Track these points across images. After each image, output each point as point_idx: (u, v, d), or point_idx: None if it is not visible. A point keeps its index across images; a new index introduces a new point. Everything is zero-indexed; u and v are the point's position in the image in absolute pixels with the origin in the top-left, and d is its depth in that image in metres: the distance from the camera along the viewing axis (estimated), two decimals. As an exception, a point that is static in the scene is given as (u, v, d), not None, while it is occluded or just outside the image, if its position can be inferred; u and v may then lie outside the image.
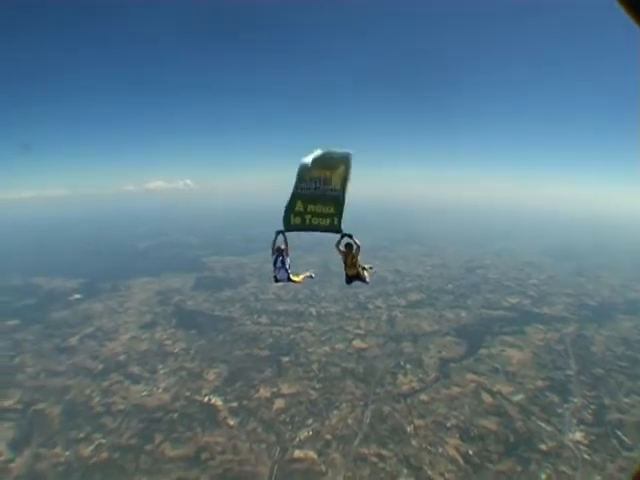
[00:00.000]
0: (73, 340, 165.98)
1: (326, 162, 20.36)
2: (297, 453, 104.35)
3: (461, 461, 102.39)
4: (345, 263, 23.12)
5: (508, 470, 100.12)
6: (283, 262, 23.80)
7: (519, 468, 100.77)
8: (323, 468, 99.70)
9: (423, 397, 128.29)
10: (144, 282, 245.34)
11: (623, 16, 5.09)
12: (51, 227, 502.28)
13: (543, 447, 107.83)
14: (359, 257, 22.96)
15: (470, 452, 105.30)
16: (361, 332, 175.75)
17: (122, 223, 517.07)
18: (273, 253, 23.75)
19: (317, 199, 20.98)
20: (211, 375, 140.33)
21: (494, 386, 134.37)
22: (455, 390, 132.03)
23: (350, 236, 21.92)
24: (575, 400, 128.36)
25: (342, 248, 22.72)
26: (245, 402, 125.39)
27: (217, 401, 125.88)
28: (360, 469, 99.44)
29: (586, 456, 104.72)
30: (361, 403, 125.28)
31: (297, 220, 21.41)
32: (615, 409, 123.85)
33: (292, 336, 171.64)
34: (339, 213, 21.03)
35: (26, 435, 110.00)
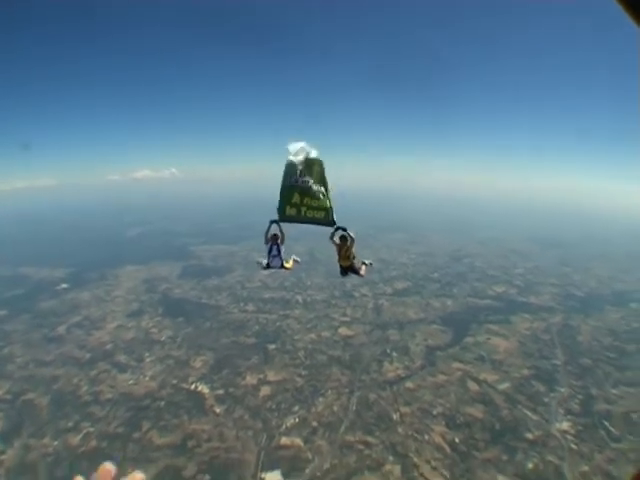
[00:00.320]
0: (61, 329, 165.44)
1: (310, 163, 21.00)
2: (283, 440, 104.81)
3: (447, 449, 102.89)
4: (339, 255, 23.65)
5: (494, 458, 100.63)
6: (279, 250, 24.48)
7: (505, 457, 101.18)
8: (309, 455, 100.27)
9: (409, 384, 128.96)
10: (131, 270, 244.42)
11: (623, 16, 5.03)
12: (39, 217, 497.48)
13: (529, 436, 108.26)
14: (353, 250, 23.30)
15: (456, 440, 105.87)
16: (347, 320, 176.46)
17: (109, 212, 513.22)
18: (266, 242, 24.27)
19: (313, 192, 21.23)
20: (198, 363, 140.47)
21: (480, 374, 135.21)
22: (441, 378, 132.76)
23: (344, 229, 22.54)
24: (562, 390, 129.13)
25: (337, 240, 23.46)
26: (231, 389, 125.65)
27: (204, 389, 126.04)
28: (346, 456, 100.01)
29: (573, 446, 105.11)
30: (347, 390, 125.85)
31: (292, 211, 21.64)
32: (602, 400, 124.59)
33: (278, 324, 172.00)
34: (331, 207, 21.51)
35: (16, 426, 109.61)
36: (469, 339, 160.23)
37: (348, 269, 24.02)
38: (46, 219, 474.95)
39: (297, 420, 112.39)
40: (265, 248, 24.81)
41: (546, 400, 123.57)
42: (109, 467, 4.84)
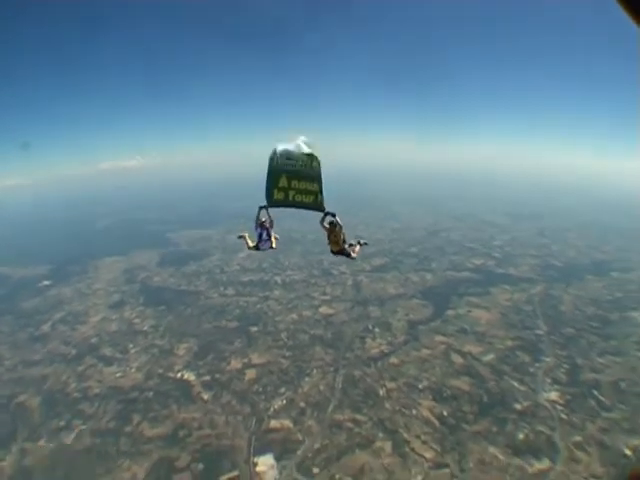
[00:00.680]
0: (46, 327, 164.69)
1: (302, 154, 20.90)
2: (273, 423, 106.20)
3: (436, 423, 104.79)
4: (329, 239, 23.50)
5: (484, 430, 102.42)
6: (269, 235, 25.10)
7: (495, 428, 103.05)
8: (300, 436, 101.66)
9: (393, 360, 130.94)
10: (110, 262, 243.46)
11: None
12: (10, 216, 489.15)
13: (518, 407, 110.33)
14: (342, 234, 23.41)
15: (444, 413, 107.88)
16: (327, 298, 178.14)
17: (80, 205, 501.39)
18: (256, 227, 24.72)
19: (302, 175, 21.16)
20: (181, 350, 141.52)
21: (464, 347, 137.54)
22: (425, 352, 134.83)
23: (333, 215, 22.77)
24: (547, 359, 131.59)
25: (326, 225, 23.40)
26: (217, 375, 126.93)
27: (190, 376, 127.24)
28: (336, 435, 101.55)
29: (563, 416, 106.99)
30: (332, 369, 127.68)
31: (280, 195, 21.62)
32: (589, 369, 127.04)
33: (259, 306, 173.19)
34: (322, 191, 21.61)
35: (11, 431, 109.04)
36: (450, 312, 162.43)
37: (338, 253, 24.12)
38: (17, 217, 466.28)
39: (285, 402, 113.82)
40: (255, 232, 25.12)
41: (532, 370, 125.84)
42: None
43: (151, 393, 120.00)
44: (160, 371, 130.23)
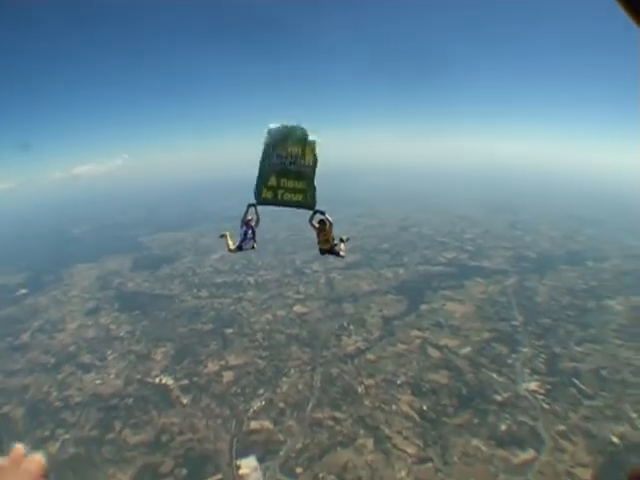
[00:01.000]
0: (25, 336, 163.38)
1: (298, 137, 20.67)
2: (253, 424, 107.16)
3: (417, 417, 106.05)
4: (318, 238, 23.47)
5: (466, 423, 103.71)
6: (254, 233, 24.78)
7: (476, 420, 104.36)
8: (281, 437, 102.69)
9: (370, 356, 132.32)
10: (84, 268, 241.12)
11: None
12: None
13: (498, 398, 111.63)
14: (332, 233, 23.42)
15: (424, 407, 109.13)
16: (301, 297, 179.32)
17: (54, 212, 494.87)
18: (242, 226, 24.10)
19: (291, 174, 21.04)
20: (158, 355, 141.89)
21: (440, 340, 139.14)
22: (401, 347, 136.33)
23: (323, 213, 22.53)
24: (525, 350, 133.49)
25: (316, 224, 23.15)
26: (195, 379, 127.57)
27: (168, 381, 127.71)
28: (317, 434, 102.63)
29: (545, 405, 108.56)
30: (309, 368, 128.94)
31: (269, 194, 21.44)
32: (568, 358, 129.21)
33: (233, 307, 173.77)
34: (312, 189, 21.39)
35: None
36: (425, 306, 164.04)
37: (327, 252, 24.21)
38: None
39: (264, 403, 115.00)
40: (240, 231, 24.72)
41: (510, 362, 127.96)
42: (20, 447, 5.37)
43: (131, 399, 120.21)
44: (138, 377, 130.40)
